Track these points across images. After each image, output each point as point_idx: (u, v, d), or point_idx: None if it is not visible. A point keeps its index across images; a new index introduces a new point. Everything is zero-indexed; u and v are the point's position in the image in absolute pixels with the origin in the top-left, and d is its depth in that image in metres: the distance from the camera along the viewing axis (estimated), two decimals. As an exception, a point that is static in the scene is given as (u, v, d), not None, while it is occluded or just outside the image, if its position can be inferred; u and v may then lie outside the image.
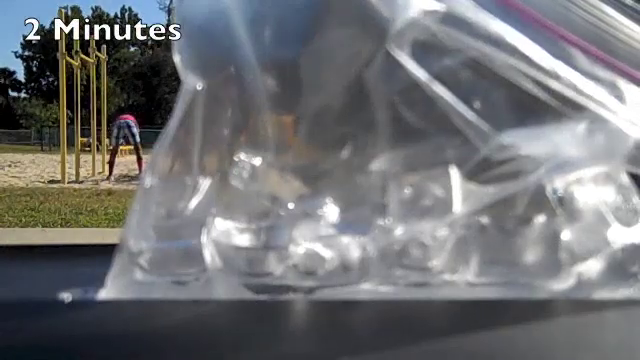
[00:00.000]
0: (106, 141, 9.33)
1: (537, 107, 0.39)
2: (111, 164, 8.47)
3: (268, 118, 0.41)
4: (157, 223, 0.41)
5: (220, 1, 0.41)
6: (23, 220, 4.37)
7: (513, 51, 0.39)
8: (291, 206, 0.41)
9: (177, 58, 0.42)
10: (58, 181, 7.59)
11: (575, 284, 0.40)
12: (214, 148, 0.42)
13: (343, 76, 0.41)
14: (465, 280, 0.40)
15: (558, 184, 0.41)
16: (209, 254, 0.40)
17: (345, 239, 0.41)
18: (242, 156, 0.41)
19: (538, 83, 0.39)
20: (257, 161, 0.42)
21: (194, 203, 0.41)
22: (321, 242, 0.40)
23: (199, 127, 0.40)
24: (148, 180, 0.41)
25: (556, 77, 0.39)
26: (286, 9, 0.42)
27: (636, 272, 0.41)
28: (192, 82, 0.41)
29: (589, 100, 0.39)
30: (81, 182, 7.55)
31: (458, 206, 0.40)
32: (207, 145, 0.41)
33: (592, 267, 0.41)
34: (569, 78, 0.39)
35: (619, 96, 0.40)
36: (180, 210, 0.41)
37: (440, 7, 0.39)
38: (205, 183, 0.42)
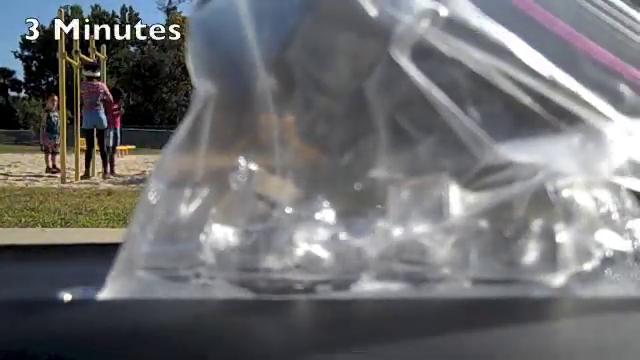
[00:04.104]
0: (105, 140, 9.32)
1: (534, 118, 0.40)
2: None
3: (275, 122, 0.42)
4: (160, 225, 0.41)
5: (234, 9, 0.41)
6: (23, 220, 4.37)
7: (513, 60, 0.39)
8: (291, 208, 0.41)
9: (190, 64, 0.42)
10: (58, 181, 7.59)
11: (572, 283, 0.40)
12: (222, 153, 0.43)
13: (346, 81, 0.41)
14: (463, 279, 0.41)
15: (555, 189, 0.41)
16: (209, 255, 0.40)
17: (345, 240, 0.41)
18: (243, 161, 0.42)
19: (536, 94, 0.39)
20: (258, 165, 0.42)
21: (197, 206, 0.41)
22: (320, 243, 0.41)
23: (208, 132, 0.41)
24: (154, 182, 0.41)
25: (555, 88, 0.39)
26: (296, 16, 0.42)
27: (631, 271, 0.41)
28: (204, 88, 0.41)
29: (586, 112, 0.40)
30: (79, 182, 7.54)
31: (456, 209, 0.40)
32: (215, 150, 0.42)
33: (588, 267, 0.41)
34: (568, 89, 0.40)
35: (618, 108, 0.40)
36: (183, 212, 0.41)
37: (443, 13, 0.39)
38: (209, 187, 0.42)
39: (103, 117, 8.22)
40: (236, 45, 0.42)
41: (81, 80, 8.23)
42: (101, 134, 8.27)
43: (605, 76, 0.41)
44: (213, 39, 0.44)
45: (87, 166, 8.19)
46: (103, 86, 8.36)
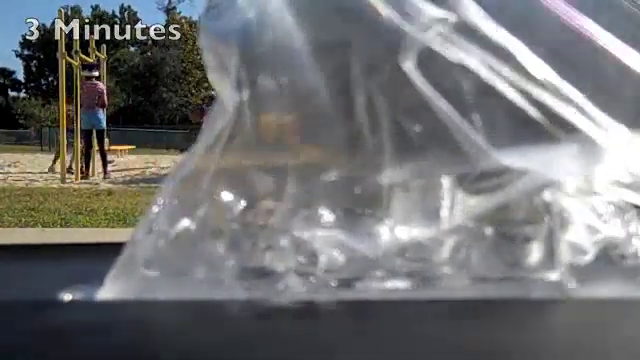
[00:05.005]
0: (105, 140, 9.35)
1: (534, 126, 0.40)
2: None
3: (284, 124, 0.42)
4: (166, 226, 0.41)
5: (251, 19, 0.42)
6: (23, 220, 4.36)
7: (517, 68, 0.40)
8: (292, 210, 0.41)
9: (211, 75, 0.43)
10: (57, 181, 7.59)
11: (571, 284, 0.41)
12: (238, 158, 0.43)
13: (352, 85, 0.41)
14: (463, 278, 0.41)
15: (553, 194, 0.41)
16: (210, 256, 0.40)
17: (346, 240, 0.41)
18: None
19: (536, 102, 0.40)
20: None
21: (204, 208, 0.41)
22: (321, 243, 0.41)
23: (228, 139, 0.41)
24: (167, 185, 0.42)
25: (554, 97, 0.40)
26: (309, 23, 0.42)
27: (630, 272, 0.41)
28: (227, 97, 0.42)
29: (583, 121, 0.40)
30: (79, 182, 7.55)
31: (457, 212, 0.40)
32: (232, 155, 0.42)
33: (588, 268, 0.41)
34: (567, 98, 0.40)
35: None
36: (189, 216, 0.41)
37: (451, 20, 0.40)
38: (218, 192, 0.42)
39: (101, 117, 8.24)
40: (257, 52, 0.42)
41: (80, 79, 8.25)
42: (100, 134, 8.29)
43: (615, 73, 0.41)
44: (236, 49, 0.44)
45: (87, 167, 8.22)
46: (101, 86, 8.36)
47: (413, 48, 0.39)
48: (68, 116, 8.32)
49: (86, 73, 8.27)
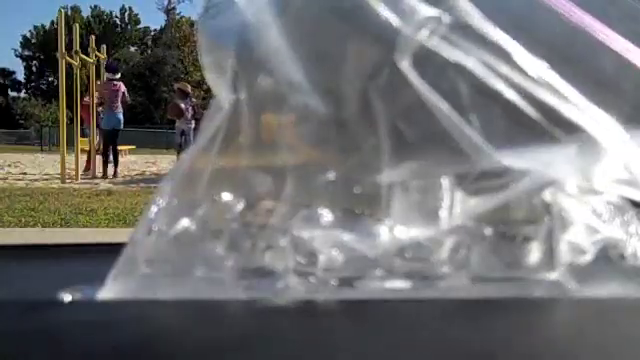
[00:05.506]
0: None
1: (533, 126, 0.40)
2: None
3: (281, 124, 0.42)
4: (165, 225, 0.41)
5: (248, 18, 0.42)
6: (23, 220, 4.37)
7: (515, 68, 0.40)
8: (293, 208, 0.42)
9: (208, 75, 0.43)
10: (57, 181, 7.59)
11: (571, 284, 0.41)
12: (235, 157, 0.43)
13: (351, 86, 0.41)
14: (463, 278, 0.41)
15: (552, 194, 0.41)
16: (211, 256, 0.40)
17: (346, 240, 0.41)
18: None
19: (535, 102, 0.40)
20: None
21: (203, 209, 0.41)
22: (321, 243, 0.41)
23: (224, 139, 0.41)
24: (166, 185, 0.42)
25: (554, 95, 0.40)
26: (305, 22, 0.42)
27: (630, 272, 0.41)
28: (224, 97, 0.42)
29: (584, 121, 0.40)
30: (80, 182, 7.55)
31: (457, 212, 0.40)
32: (229, 155, 0.42)
33: (587, 268, 0.41)
34: (566, 97, 0.40)
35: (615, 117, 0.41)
36: (189, 217, 0.41)
37: (445, 20, 0.40)
38: (218, 193, 0.42)
39: (121, 118, 8.31)
40: (255, 53, 0.42)
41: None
42: (115, 135, 8.34)
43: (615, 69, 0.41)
44: (231, 48, 0.44)
45: (100, 165, 8.30)
46: (123, 87, 8.42)
47: (409, 47, 0.39)
48: (98, 115, 8.40)
49: (109, 75, 8.40)
